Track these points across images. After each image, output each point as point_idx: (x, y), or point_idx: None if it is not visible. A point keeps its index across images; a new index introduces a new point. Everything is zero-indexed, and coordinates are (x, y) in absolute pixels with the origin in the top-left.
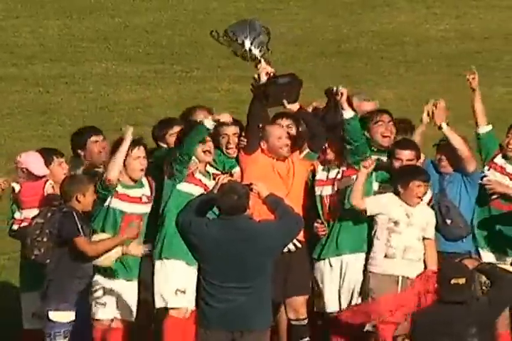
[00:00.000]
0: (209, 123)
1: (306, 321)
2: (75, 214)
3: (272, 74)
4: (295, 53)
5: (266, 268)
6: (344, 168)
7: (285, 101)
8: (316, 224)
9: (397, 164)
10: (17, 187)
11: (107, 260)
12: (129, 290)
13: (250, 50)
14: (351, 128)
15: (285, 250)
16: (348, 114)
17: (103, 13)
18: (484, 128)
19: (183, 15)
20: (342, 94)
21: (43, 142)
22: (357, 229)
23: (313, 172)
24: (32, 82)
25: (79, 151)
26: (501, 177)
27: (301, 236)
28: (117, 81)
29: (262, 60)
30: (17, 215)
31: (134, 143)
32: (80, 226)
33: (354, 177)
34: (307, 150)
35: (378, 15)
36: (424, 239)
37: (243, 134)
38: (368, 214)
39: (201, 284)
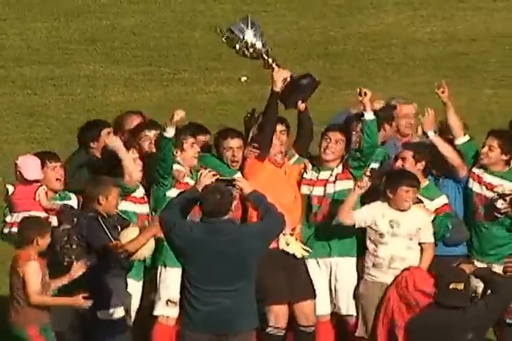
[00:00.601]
0: (169, 133)
1: (313, 328)
2: (100, 219)
3: (288, 78)
4: (282, 55)
5: (250, 271)
6: (339, 171)
7: (300, 102)
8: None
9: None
10: (11, 189)
11: (145, 251)
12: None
13: (254, 44)
14: (369, 130)
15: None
16: (369, 115)
17: (90, 16)
18: (461, 139)
19: (171, 18)
20: (366, 93)
21: (31, 144)
22: (346, 234)
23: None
24: (20, 85)
25: (91, 144)
26: (479, 187)
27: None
28: (105, 83)
29: (273, 64)
30: (8, 218)
31: (126, 146)
32: (108, 232)
33: (347, 182)
34: (296, 156)
35: (365, 18)
36: (420, 243)
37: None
38: (356, 227)
39: (185, 286)
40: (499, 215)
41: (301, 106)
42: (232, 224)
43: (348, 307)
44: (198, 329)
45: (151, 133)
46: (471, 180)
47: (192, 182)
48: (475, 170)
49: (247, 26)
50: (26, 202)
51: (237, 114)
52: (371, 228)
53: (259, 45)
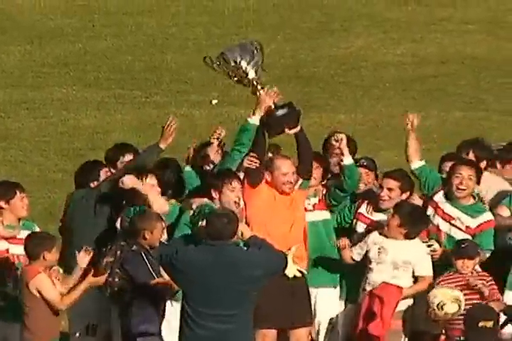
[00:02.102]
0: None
1: None
2: (143, 254)
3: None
4: None
5: (249, 297)
6: (316, 201)
7: (286, 129)
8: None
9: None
10: None
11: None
12: None
13: (246, 71)
14: (349, 174)
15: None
16: (347, 160)
17: (63, 39)
18: (417, 164)
19: (142, 41)
20: (342, 139)
21: (5, 167)
22: (329, 265)
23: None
24: None
25: (91, 184)
26: (437, 217)
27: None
28: (77, 106)
29: (262, 91)
30: None
31: (144, 172)
32: (150, 268)
33: (324, 213)
34: (300, 180)
35: (336, 40)
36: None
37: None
38: (358, 260)
39: (184, 309)
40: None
41: (291, 131)
42: (236, 247)
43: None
44: None
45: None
46: (430, 209)
47: None
48: (436, 198)
49: (244, 52)
50: None
51: (208, 137)
52: (365, 254)
53: (251, 73)
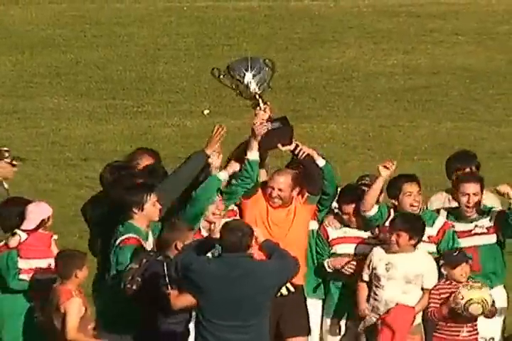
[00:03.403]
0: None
1: None
2: (165, 264)
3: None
4: None
5: (264, 308)
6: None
7: (280, 145)
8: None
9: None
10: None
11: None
12: None
13: (248, 85)
14: (328, 172)
15: (278, 294)
16: (320, 162)
17: (55, 49)
18: (373, 211)
19: (134, 51)
20: (297, 145)
21: None
22: (314, 275)
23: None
24: None
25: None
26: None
27: (296, 279)
28: (69, 116)
29: (261, 104)
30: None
31: (151, 188)
32: (168, 280)
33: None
34: (306, 194)
35: (327, 51)
36: (423, 289)
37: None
38: (367, 280)
39: (199, 321)
40: None
41: (283, 148)
42: (251, 258)
43: None
44: None
45: None
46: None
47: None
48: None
49: (251, 65)
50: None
51: (200, 147)
52: (372, 272)
53: (252, 86)
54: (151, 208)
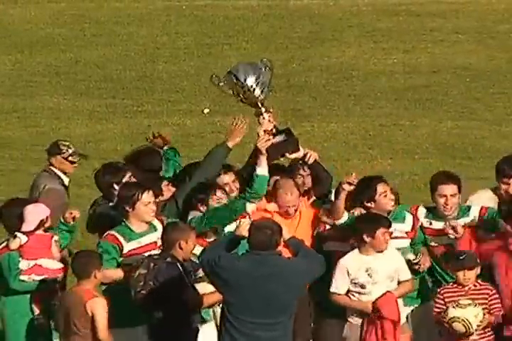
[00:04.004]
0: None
1: None
2: (179, 266)
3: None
4: None
5: (291, 306)
6: None
7: (287, 154)
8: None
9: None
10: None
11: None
12: None
13: (252, 90)
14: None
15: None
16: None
17: (54, 48)
18: (343, 219)
19: (134, 50)
20: (310, 155)
21: None
22: None
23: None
24: None
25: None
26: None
27: None
28: (69, 115)
29: (264, 114)
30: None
31: (144, 188)
32: (186, 280)
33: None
34: (313, 197)
35: (327, 50)
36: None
37: None
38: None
39: (225, 316)
40: None
41: (292, 156)
42: (280, 256)
43: None
44: None
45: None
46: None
47: None
48: None
49: (252, 71)
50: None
51: (201, 146)
52: (351, 282)
53: (257, 93)
54: (143, 208)
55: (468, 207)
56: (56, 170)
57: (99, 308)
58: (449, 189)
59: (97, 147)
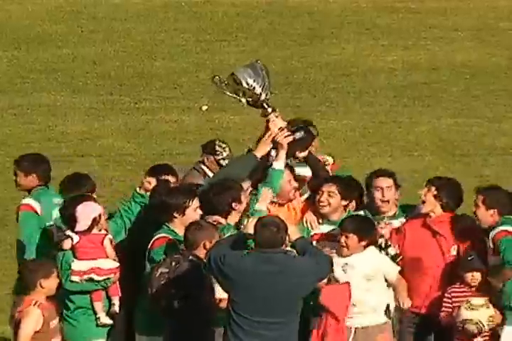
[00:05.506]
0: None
1: None
2: (202, 265)
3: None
4: None
5: (296, 305)
6: None
7: (297, 152)
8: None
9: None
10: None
11: None
12: None
13: (257, 93)
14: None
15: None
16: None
17: (51, 45)
18: (325, 228)
19: (131, 47)
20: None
21: None
22: None
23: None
24: None
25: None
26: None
27: None
28: (65, 112)
29: (272, 114)
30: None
31: (193, 195)
32: (208, 280)
33: None
34: (308, 192)
35: (326, 47)
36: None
37: None
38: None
39: (230, 315)
40: None
41: (300, 155)
42: (285, 254)
43: None
44: None
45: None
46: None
47: None
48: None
49: (254, 73)
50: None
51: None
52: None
53: (263, 95)
54: (192, 213)
55: (413, 207)
56: (206, 169)
57: (25, 317)
58: (383, 181)
59: (94, 144)
